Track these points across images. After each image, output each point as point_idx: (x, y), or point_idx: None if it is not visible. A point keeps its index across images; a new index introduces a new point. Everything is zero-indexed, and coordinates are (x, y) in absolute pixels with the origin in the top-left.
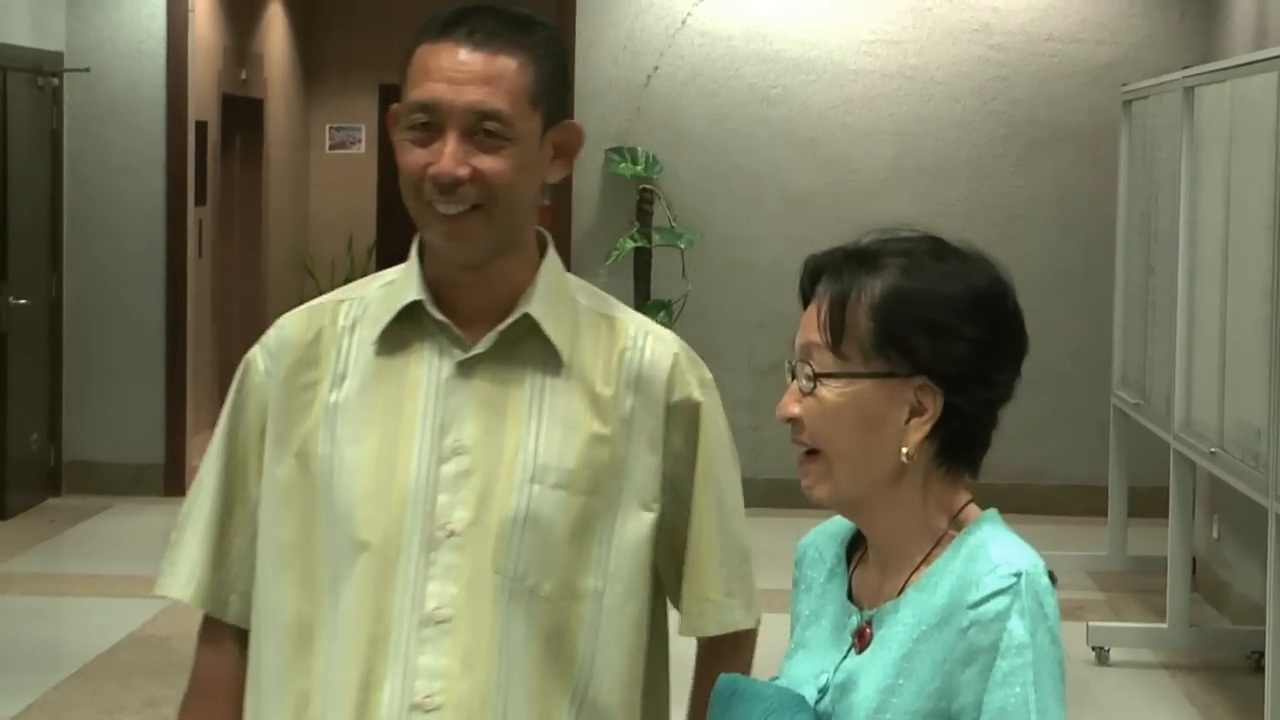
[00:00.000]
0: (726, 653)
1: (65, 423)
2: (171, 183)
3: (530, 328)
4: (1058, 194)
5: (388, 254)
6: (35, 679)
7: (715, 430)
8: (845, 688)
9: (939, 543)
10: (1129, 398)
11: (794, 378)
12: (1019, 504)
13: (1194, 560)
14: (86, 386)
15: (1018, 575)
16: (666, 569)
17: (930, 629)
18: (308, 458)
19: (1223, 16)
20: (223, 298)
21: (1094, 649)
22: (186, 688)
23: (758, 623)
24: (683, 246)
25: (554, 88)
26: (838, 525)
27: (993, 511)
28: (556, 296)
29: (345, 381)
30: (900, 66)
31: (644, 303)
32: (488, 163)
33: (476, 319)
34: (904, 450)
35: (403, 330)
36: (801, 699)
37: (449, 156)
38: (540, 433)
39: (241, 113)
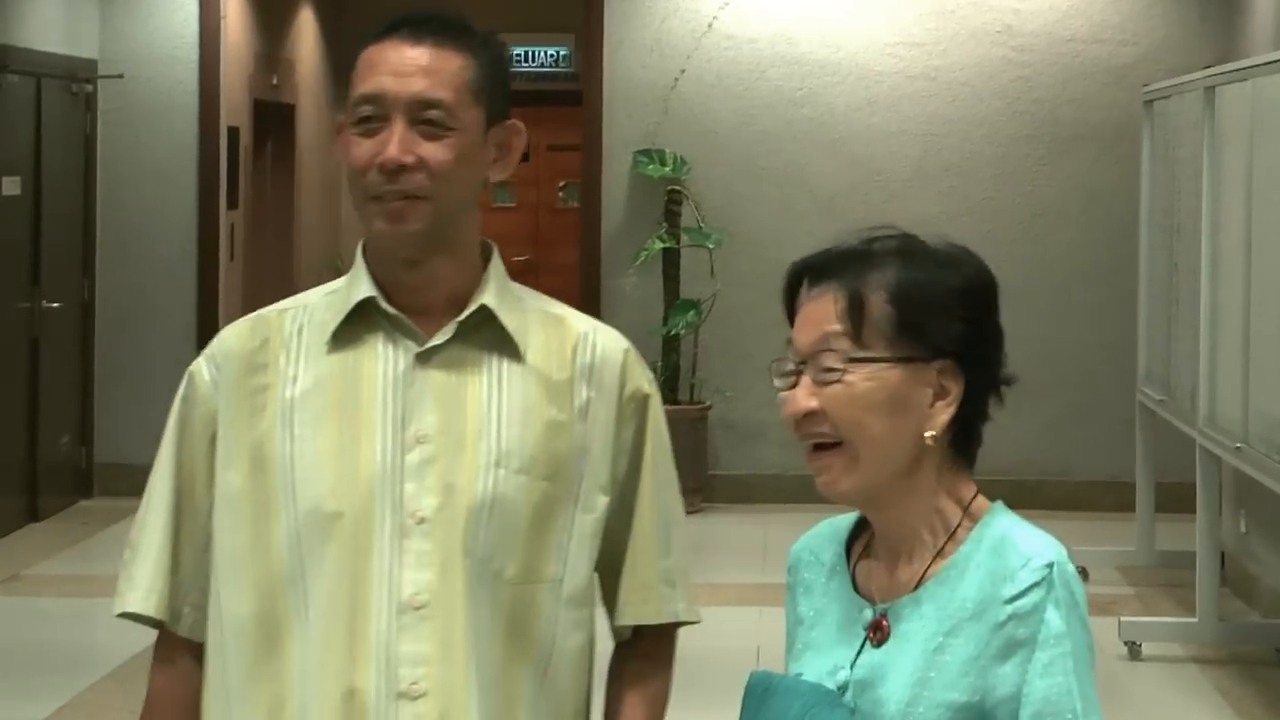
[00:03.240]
0: (652, 645)
1: (97, 425)
2: (204, 187)
3: (486, 319)
4: (1081, 192)
5: None
6: (68, 681)
7: (660, 424)
8: (869, 682)
9: (954, 533)
10: (1154, 394)
11: (789, 377)
12: (1046, 500)
13: (1222, 554)
14: (118, 389)
15: (1049, 566)
16: (604, 557)
17: (960, 622)
18: (264, 460)
19: (1243, 16)
20: (254, 301)
21: (1126, 644)
22: (142, 709)
23: (697, 619)
24: (711, 247)
25: (495, 86)
26: (830, 528)
27: (1000, 503)
28: (506, 293)
29: (298, 381)
30: (924, 68)
31: (673, 302)
32: (430, 150)
33: (427, 315)
34: (929, 433)
35: (353, 328)
36: (835, 694)
37: (396, 143)
38: (500, 420)
39: (273, 118)
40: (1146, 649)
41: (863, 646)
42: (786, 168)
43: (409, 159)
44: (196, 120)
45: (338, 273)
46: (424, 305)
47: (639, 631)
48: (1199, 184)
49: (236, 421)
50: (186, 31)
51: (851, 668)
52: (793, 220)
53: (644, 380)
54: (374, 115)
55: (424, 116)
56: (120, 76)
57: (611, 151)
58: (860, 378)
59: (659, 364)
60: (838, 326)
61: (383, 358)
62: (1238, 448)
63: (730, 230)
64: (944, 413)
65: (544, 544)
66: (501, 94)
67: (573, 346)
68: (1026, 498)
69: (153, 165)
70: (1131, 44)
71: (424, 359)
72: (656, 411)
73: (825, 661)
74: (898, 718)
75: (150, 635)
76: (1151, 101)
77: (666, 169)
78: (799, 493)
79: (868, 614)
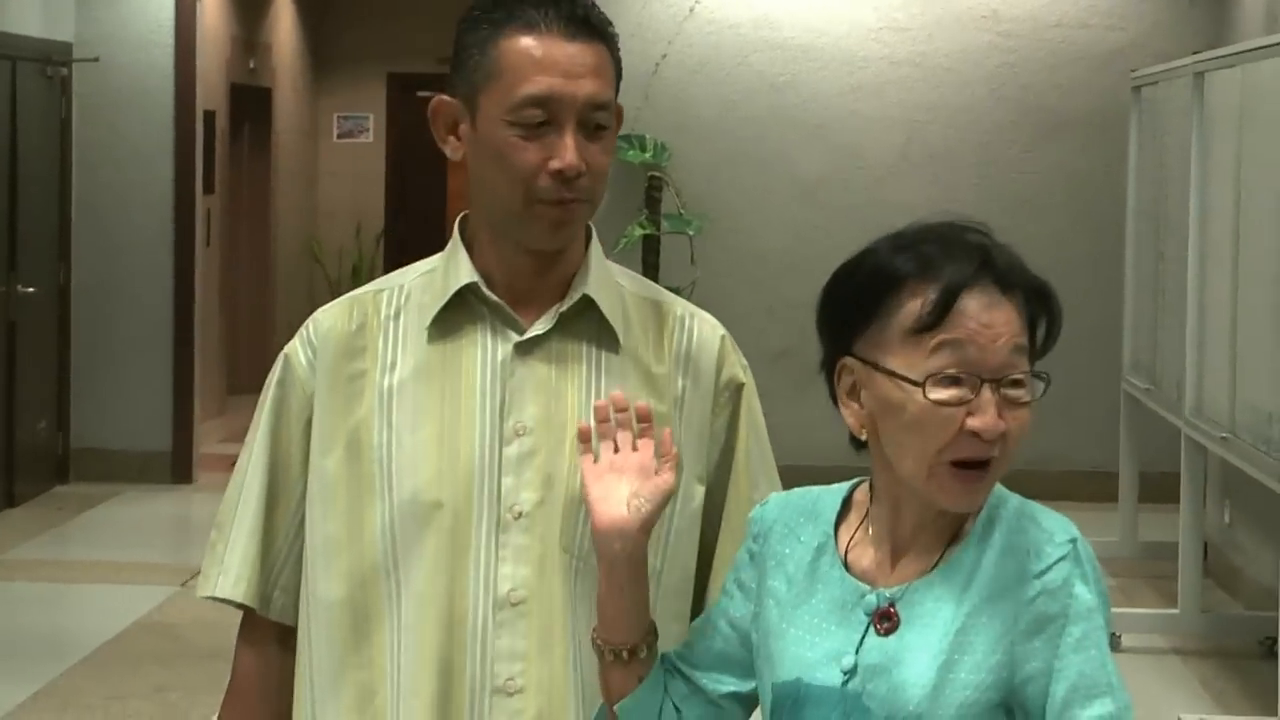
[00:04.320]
0: None
1: (73, 410)
2: (180, 171)
3: (587, 308)
4: (1067, 179)
5: (395, 242)
6: (43, 666)
7: (756, 413)
8: (882, 668)
9: (963, 520)
10: (1140, 383)
11: (957, 388)
12: (1030, 490)
13: (1206, 546)
14: (94, 374)
15: (1073, 542)
16: (699, 548)
17: (984, 601)
18: (360, 447)
19: (1232, 1)
20: (231, 286)
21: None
22: (228, 687)
23: None
24: (691, 233)
25: (620, 73)
26: (807, 503)
27: (999, 485)
28: (606, 278)
29: (397, 369)
30: (909, 53)
31: None
32: (594, 153)
33: (529, 301)
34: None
35: (452, 315)
36: (859, 698)
37: (573, 150)
38: None
39: (250, 102)
40: (1127, 640)
41: (867, 632)
42: (768, 154)
43: (584, 166)
44: (173, 104)
45: (313, 257)
46: (530, 291)
47: None
48: (1187, 171)
49: (333, 406)
50: (162, 15)
51: (858, 652)
52: (774, 207)
53: (739, 368)
54: (543, 119)
55: (592, 120)
56: (96, 60)
57: None
58: (1029, 401)
59: None
60: (1024, 340)
61: (482, 347)
62: (1224, 438)
63: (711, 217)
64: None
65: None
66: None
67: (668, 334)
68: (1010, 487)
69: (128, 149)
70: (1119, 29)
71: (524, 349)
72: (752, 400)
73: (823, 645)
74: (925, 701)
75: (124, 621)
76: (1139, 88)
77: (647, 155)
78: (782, 482)
79: (871, 600)
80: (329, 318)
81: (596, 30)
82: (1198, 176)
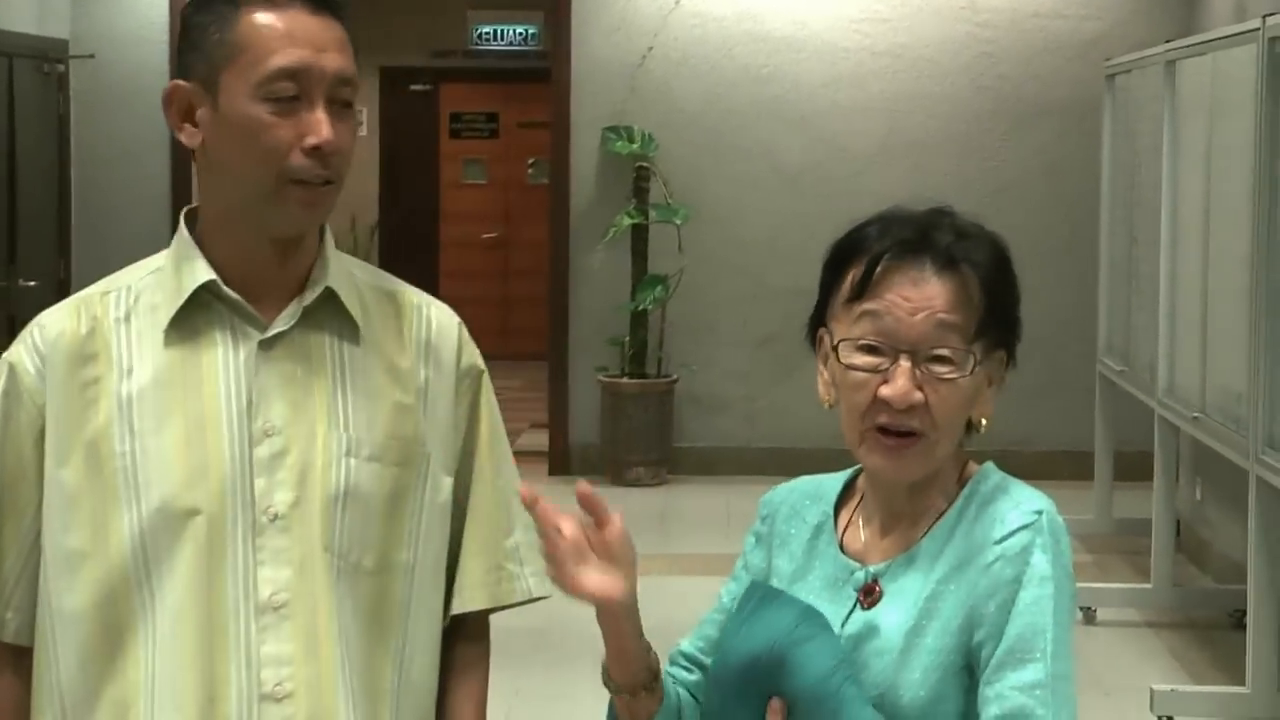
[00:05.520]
0: (475, 628)
1: None
2: (176, 166)
3: (327, 301)
4: (1043, 167)
5: (389, 234)
6: None
7: (493, 400)
8: (862, 637)
9: (952, 498)
10: (1114, 365)
11: (875, 357)
12: (1007, 469)
13: (1178, 522)
14: None
15: (1039, 513)
16: (450, 540)
17: (952, 570)
18: (100, 457)
19: None
20: None
21: (1081, 609)
22: None
23: (548, 594)
24: (678, 223)
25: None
26: (813, 486)
27: (991, 464)
28: (342, 270)
29: (134, 374)
30: (889, 44)
31: (641, 278)
32: (343, 133)
33: (265, 296)
34: (984, 421)
35: (189, 315)
36: (824, 618)
37: (329, 125)
38: (347, 406)
39: None
40: (1102, 614)
41: (854, 608)
42: (753, 144)
43: (334, 142)
44: None
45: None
46: (267, 285)
47: (460, 615)
48: (1159, 157)
49: (67, 415)
50: (157, 11)
51: (843, 625)
52: (759, 196)
53: (476, 355)
54: (294, 94)
55: (340, 95)
56: (91, 56)
57: (580, 129)
58: (970, 380)
59: (627, 339)
60: (955, 318)
61: (224, 346)
62: (1195, 417)
63: (697, 206)
64: (995, 398)
65: (397, 531)
66: None
67: (408, 323)
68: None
69: (126, 145)
70: (1095, 19)
71: (267, 346)
72: (488, 387)
73: None
74: (891, 668)
75: None
76: (1113, 76)
77: (635, 146)
78: (762, 464)
79: (859, 576)
80: (55, 323)
81: (335, 6)
82: (1169, 162)
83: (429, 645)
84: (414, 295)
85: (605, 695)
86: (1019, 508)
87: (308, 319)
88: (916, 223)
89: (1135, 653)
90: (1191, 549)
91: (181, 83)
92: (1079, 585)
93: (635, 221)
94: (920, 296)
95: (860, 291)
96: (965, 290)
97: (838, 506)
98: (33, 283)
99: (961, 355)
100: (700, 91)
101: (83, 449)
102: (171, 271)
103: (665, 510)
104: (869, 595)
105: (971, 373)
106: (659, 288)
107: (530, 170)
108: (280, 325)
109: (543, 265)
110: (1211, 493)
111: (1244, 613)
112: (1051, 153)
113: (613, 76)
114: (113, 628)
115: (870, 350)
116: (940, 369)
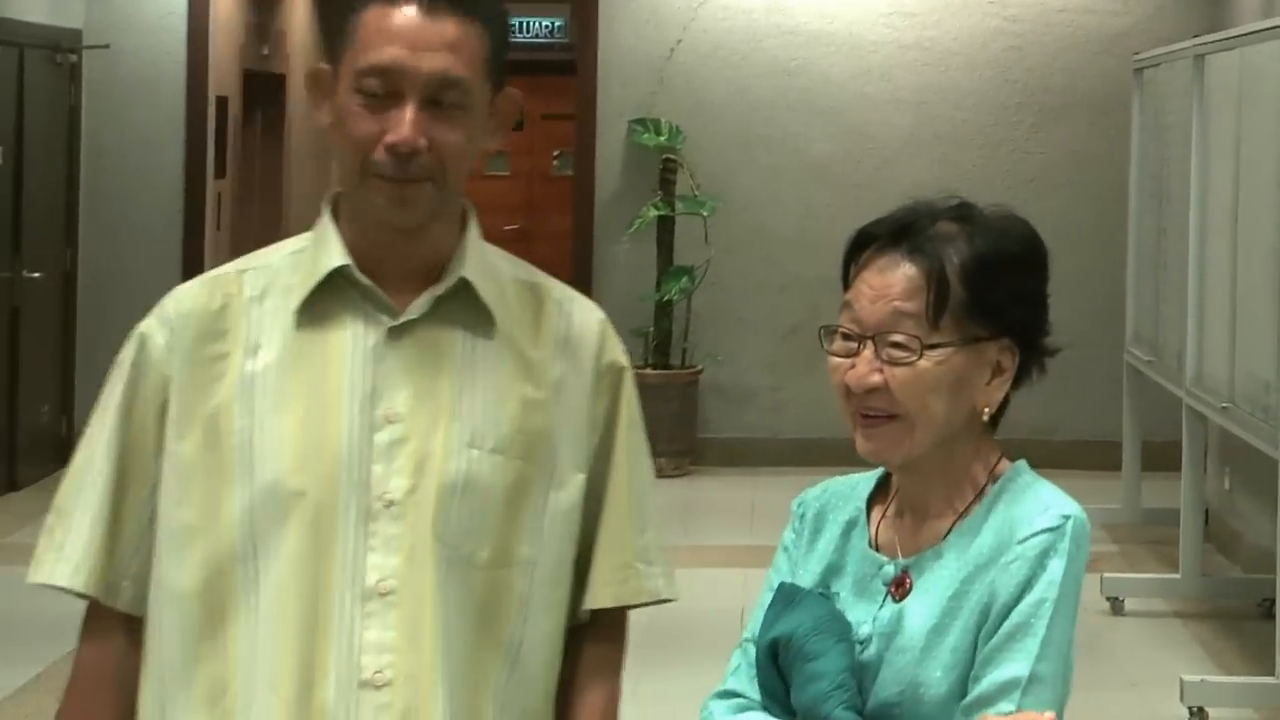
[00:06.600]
0: (610, 625)
1: (77, 395)
2: (191, 156)
3: (463, 291)
4: (1071, 159)
5: None
6: (44, 649)
7: (634, 398)
8: (891, 633)
9: (980, 493)
10: (1142, 355)
11: (845, 343)
12: (1034, 459)
13: (1206, 511)
14: (99, 359)
15: (1066, 518)
16: (579, 537)
17: (977, 569)
18: (219, 433)
19: None
20: None
21: (1109, 599)
22: (69, 680)
23: (675, 596)
24: (705, 214)
25: (503, 56)
26: (847, 487)
27: (1023, 462)
28: (483, 261)
29: (260, 352)
30: (917, 38)
31: (666, 269)
32: (443, 132)
33: (401, 283)
34: (986, 410)
35: (321, 297)
36: (849, 627)
37: (410, 126)
38: (474, 398)
39: (263, 88)
40: (1130, 604)
41: (884, 601)
42: (780, 137)
43: (423, 142)
44: (184, 90)
45: None
46: (400, 272)
47: (596, 612)
48: (1187, 151)
49: (191, 389)
50: (174, 2)
51: (874, 622)
52: (786, 188)
53: (619, 353)
54: (384, 91)
55: (441, 97)
56: (106, 47)
57: (606, 120)
58: (930, 362)
59: (651, 330)
60: (911, 306)
61: (352, 331)
62: (1224, 407)
63: (724, 198)
64: (1000, 389)
65: (518, 526)
66: (505, 63)
67: (547, 317)
68: (1014, 457)
69: (138, 135)
70: (1123, 13)
71: (396, 334)
72: (631, 384)
73: (847, 616)
74: (913, 664)
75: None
76: (1141, 70)
77: (661, 138)
78: (787, 456)
79: (889, 570)
80: (189, 297)
81: (463, 6)
82: (1198, 155)
83: (548, 641)
84: (558, 290)
85: None
86: (1048, 511)
87: (440, 308)
88: (905, 216)
89: (1163, 643)
90: (1220, 539)
91: (324, 66)
92: (1106, 575)
93: (662, 213)
94: (881, 284)
95: (847, 283)
96: (927, 279)
97: (871, 503)
98: (38, 274)
99: (914, 341)
100: (728, 84)
101: (202, 424)
102: (310, 254)
103: (689, 502)
104: (900, 587)
105: (921, 356)
106: (685, 279)
107: (555, 162)
108: (411, 314)
109: (565, 257)
110: (1240, 482)
111: (1273, 602)
112: (1078, 145)
113: (640, 69)
114: (216, 606)
115: (845, 337)
116: (897, 353)
